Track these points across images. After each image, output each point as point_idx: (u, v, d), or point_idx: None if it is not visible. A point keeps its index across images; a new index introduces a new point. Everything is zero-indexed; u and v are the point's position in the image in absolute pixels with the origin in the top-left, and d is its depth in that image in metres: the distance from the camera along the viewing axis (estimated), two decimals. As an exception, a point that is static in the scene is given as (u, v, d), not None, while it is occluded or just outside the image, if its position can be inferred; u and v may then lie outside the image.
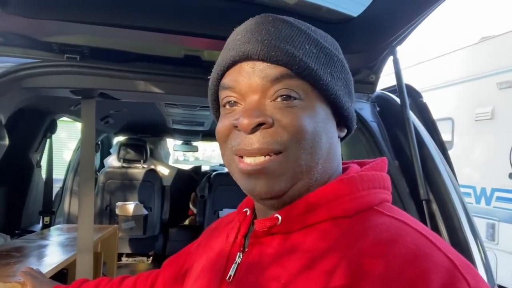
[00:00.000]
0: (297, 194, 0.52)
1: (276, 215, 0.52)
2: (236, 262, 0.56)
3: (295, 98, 0.50)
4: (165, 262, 0.84)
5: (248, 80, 0.51)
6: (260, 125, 0.49)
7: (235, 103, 0.53)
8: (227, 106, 0.54)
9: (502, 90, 3.73)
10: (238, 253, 0.57)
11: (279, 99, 0.50)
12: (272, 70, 0.50)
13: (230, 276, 0.55)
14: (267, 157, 0.49)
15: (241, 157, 0.51)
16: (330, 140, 0.53)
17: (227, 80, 0.53)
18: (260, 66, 0.50)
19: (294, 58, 0.49)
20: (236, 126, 0.50)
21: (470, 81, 4.15)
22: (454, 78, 4.37)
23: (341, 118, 0.56)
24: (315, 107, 0.51)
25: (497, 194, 3.76)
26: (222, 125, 0.54)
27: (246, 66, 0.51)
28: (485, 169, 3.95)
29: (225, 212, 3.12)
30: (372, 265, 0.43)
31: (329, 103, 0.53)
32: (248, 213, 0.62)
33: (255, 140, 0.49)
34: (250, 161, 0.50)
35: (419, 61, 5.12)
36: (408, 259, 0.42)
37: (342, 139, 0.60)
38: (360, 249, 0.45)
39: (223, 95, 0.54)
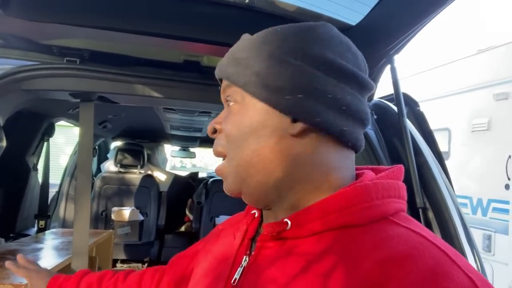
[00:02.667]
0: (246, 191, 0.55)
1: (286, 219, 0.51)
2: (242, 266, 0.55)
3: (233, 103, 0.56)
4: (172, 260, 0.83)
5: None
6: (216, 131, 0.58)
7: None
8: None
9: (498, 101, 3.76)
10: (244, 257, 0.56)
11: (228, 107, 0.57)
12: (223, 83, 0.58)
13: (236, 279, 0.54)
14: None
15: None
16: (268, 138, 0.52)
17: None
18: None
19: (224, 71, 0.56)
20: None
21: (467, 92, 4.17)
22: (451, 89, 4.40)
23: (287, 112, 0.52)
24: (248, 110, 0.54)
25: (493, 205, 3.76)
26: None
27: None
28: (481, 179, 3.96)
29: (221, 219, 3.10)
30: (386, 280, 0.41)
31: (262, 101, 0.53)
32: (256, 215, 0.61)
33: (214, 144, 0.58)
34: None
35: (417, 71, 5.16)
36: (426, 276, 0.40)
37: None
38: (374, 262, 0.43)
39: None
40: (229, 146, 0.55)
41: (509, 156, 3.56)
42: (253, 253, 0.55)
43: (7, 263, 0.90)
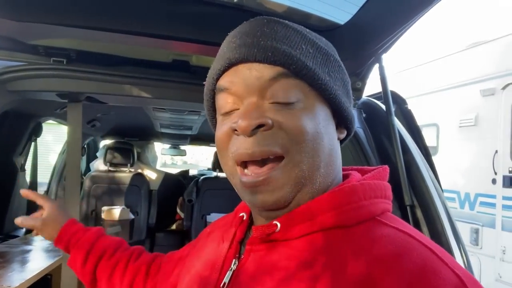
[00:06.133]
0: (301, 201, 0.50)
1: (275, 222, 0.50)
2: (231, 269, 0.54)
3: (296, 100, 0.49)
4: (164, 260, 0.80)
5: (245, 81, 0.49)
6: (259, 127, 0.47)
7: (232, 107, 0.51)
8: (224, 111, 0.52)
9: (485, 97, 3.81)
10: (234, 260, 0.55)
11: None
12: (270, 70, 0.48)
13: (225, 283, 0.53)
14: (269, 165, 0.48)
15: (245, 167, 0.50)
16: (331, 141, 0.52)
17: (223, 82, 0.52)
18: (257, 67, 0.49)
19: (291, 57, 0.48)
20: (235, 130, 0.49)
21: (454, 88, 4.23)
22: (440, 85, 4.45)
23: (341, 119, 0.55)
24: (314, 108, 0.50)
25: (480, 199, 3.82)
26: (220, 131, 0.52)
27: (243, 67, 0.50)
28: (469, 174, 4.02)
29: (212, 217, 3.09)
30: (377, 280, 0.41)
31: (328, 103, 0.52)
32: (244, 217, 0.60)
33: (255, 143, 0.47)
34: (252, 172, 0.49)
35: (406, 67, 5.20)
36: (415, 275, 0.41)
37: (342, 141, 0.58)
38: (364, 263, 0.43)
39: (220, 98, 0.53)
40: (293, 146, 0.48)
41: (496, 151, 3.62)
42: (242, 256, 0.54)
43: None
